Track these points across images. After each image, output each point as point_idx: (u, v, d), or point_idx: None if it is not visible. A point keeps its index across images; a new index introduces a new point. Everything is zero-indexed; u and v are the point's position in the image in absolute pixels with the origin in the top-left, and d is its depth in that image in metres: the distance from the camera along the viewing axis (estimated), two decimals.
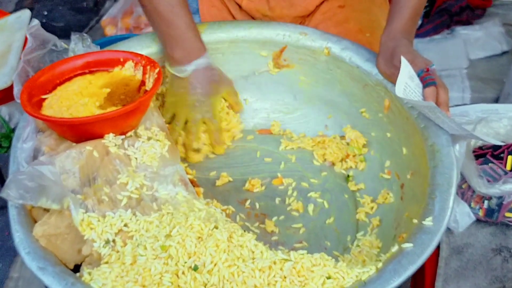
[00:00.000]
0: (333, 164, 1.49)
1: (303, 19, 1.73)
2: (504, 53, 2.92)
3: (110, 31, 3.16)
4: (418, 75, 1.27)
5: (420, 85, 1.26)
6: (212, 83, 1.49)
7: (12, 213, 1.17)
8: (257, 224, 1.36)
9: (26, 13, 1.74)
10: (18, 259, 2.26)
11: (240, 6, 1.74)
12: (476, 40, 2.98)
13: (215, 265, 1.06)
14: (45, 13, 3.43)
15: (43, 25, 1.44)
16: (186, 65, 1.46)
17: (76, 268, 1.15)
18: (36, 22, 1.38)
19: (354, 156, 1.48)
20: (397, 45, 1.33)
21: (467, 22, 3.07)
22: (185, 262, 1.06)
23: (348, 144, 1.49)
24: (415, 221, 1.15)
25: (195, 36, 1.47)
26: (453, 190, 1.18)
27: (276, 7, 1.68)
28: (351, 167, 1.48)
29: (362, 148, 1.48)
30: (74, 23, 3.36)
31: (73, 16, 3.45)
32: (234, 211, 1.37)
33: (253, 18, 1.75)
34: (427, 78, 1.25)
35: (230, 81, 1.55)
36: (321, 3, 1.70)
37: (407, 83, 1.24)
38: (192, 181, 1.36)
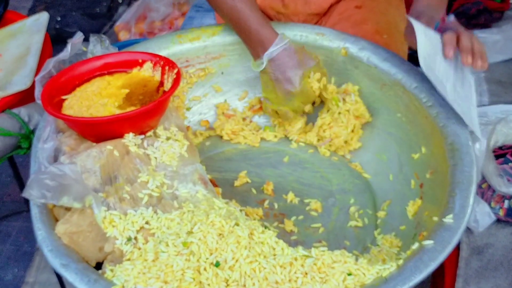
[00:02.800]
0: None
1: (319, 19, 1.76)
2: None
3: (123, 36, 3.21)
4: (435, 28, 1.28)
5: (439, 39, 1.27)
6: (291, 69, 1.47)
7: (34, 211, 1.20)
8: (276, 223, 1.38)
9: (44, 15, 1.78)
10: (33, 264, 2.30)
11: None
12: (494, 44, 2.99)
13: (236, 261, 1.09)
14: (58, 18, 3.48)
15: (56, 31, 1.47)
16: (259, 59, 1.48)
17: (98, 266, 1.18)
18: (80, 35, 1.41)
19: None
20: (419, 17, 1.35)
21: (485, 26, 3.09)
22: (207, 258, 1.09)
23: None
24: (435, 218, 1.17)
25: (260, 26, 1.46)
26: (473, 188, 1.20)
27: (290, 4, 1.71)
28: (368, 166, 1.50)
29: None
30: (88, 28, 3.41)
31: (87, 21, 3.50)
32: (253, 211, 1.40)
33: (267, 15, 1.78)
34: (444, 27, 1.26)
35: (314, 58, 1.51)
36: (337, 2, 1.73)
37: (426, 49, 1.25)
38: (210, 181, 1.38)
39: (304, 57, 1.48)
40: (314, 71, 1.49)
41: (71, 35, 1.47)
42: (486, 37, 3.03)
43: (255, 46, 1.47)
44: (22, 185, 2.01)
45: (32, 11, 3.54)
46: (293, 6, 1.72)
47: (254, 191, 1.47)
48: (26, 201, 1.24)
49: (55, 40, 1.83)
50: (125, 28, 3.25)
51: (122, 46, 1.72)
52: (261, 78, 1.52)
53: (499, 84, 2.81)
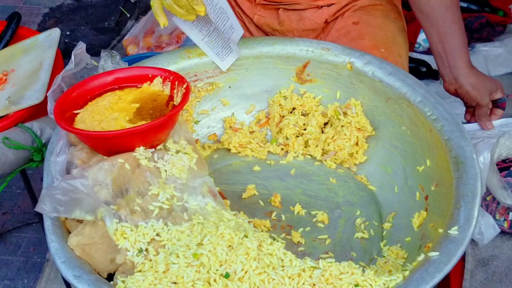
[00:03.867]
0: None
1: (316, 35, 1.78)
2: None
3: (131, 50, 3.23)
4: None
5: None
6: None
7: (47, 224, 1.22)
8: (283, 235, 1.39)
9: (56, 31, 1.81)
10: (43, 275, 2.32)
11: (252, 20, 1.79)
12: (497, 57, 3.01)
13: (245, 272, 1.10)
14: (68, 33, 3.52)
15: (66, 45, 1.50)
16: None
17: (109, 278, 1.19)
18: (82, 45, 1.44)
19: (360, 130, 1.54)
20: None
21: (488, 39, 3.11)
22: (217, 270, 1.10)
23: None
24: (440, 230, 1.18)
25: None
26: (478, 200, 1.21)
27: (285, 20, 1.74)
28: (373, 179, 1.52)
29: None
30: (97, 42, 3.44)
31: (95, 36, 3.53)
32: (261, 223, 1.41)
33: (263, 32, 1.81)
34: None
35: None
36: (334, 19, 1.75)
37: None
38: (220, 194, 1.40)
39: None
40: None
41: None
42: (489, 50, 3.05)
43: None
44: (33, 197, 2.03)
45: (41, 26, 3.57)
46: (288, 23, 1.75)
47: (261, 203, 1.48)
48: (37, 213, 1.26)
49: (65, 54, 1.85)
50: (133, 42, 3.28)
51: (131, 60, 1.74)
52: None
53: None
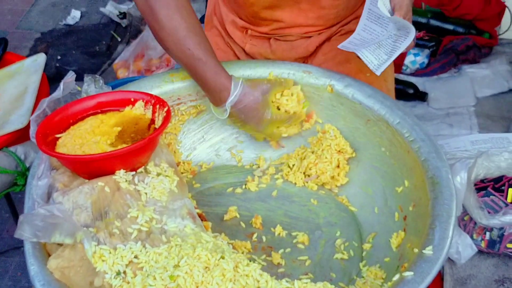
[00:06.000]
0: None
1: (305, 60, 1.81)
2: (511, 90, 2.98)
3: (122, 73, 3.26)
4: None
5: None
6: (255, 106, 1.50)
7: (27, 247, 1.23)
8: (264, 256, 1.40)
9: (41, 56, 1.83)
10: None
11: (244, 49, 1.82)
12: (483, 78, 3.05)
13: None
14: (59, 57, 3.55)
15: (57, 69, 1.53)
16: (222, 107, 1.50)
17: None
18: (72, 75, 1.45)
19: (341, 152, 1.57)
20: None
21: (474, 61, 3.15)
22: None
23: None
24: (416, 250, 1.19)
25: (216, 75, 1.48)
26: (453, 220, 1.23)
27: (277, 49, 1.76)
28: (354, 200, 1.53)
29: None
30: (87, 66, 3.48)
31: (86, 60, 3.57)
32: (241, 244, 1.42)
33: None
34: None
35: (266, 82, 1.54)
36: (322, 43, 1.77)
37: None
38: (200, 215, 1.41)
39: (259, 87, 1.52)
40: (275, 93, 1.54)
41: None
42: (475, 72, 3.09)
43: (214, 95, 1.50)
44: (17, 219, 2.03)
45: (33, 50, 3.61)
46: (281, 52, 1.78)
47: (243, 224, 1.49)
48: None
49: (55, 78, 1.89)
50: (123, 66, 3.31)
51: (119, 84, 1.76)
52: (228, 122, 1.58)
53: (488, 118, 2.85)
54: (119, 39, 3.70)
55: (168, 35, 1.47)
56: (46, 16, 3.93)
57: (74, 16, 3.92)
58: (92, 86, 1.54)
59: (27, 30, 3.83)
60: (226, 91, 1.48)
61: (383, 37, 1.43)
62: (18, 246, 2.49)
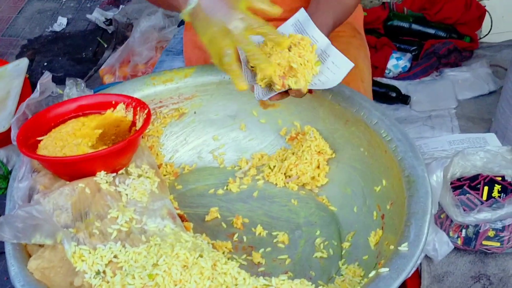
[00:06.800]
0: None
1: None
2: (491, 93, 3.00)
3: (108, 79, 3.26)
4: None
5: None
6: None
7: (8, 248, 1.23)
8: (244, 256, 1.41)
9: (24, 61, 1.84)
10: None
11: None
12: (464, 81, 3.07)
13: None
14: (45, 63, 3.55)
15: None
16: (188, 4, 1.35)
17: None
18: (48, 74, 1.46)
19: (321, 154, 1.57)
20: None
21: (455, 64, 3.17)
22: None
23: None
24: (391, 247, 1.20)
25: None
26: (428, 217, 1.24)
27: None
28: (334, 199, 1.54)
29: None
30: (74, 73, 3.47)
31: (73, 66, 3.57)
32: (222, 245, 1.43)
33: None
34: None
35: None
36: None
37: None
38: (181, 216, 1.41)
39: None
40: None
41: (58, 79, 1.51)
42: (456, 75, 3.10)
43: None
44: None
45: (19, 57, 3.58)
46: None
47: (224, 225, 1.50)
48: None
49: None
50: (109, 71, 3.31)
51: (101, 90, 1.76)
52: (194, 25, 1.37)
53: (469, 120, 2.87)
54: (105, 45, 3.70)
55: None
56: (33, 23, 3.93)
57: (61, 22, 3.91)
58: (74, 90, 1.54)
59: (14, 37, 3.82)
60: None
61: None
62: (2, 251, 2.47)
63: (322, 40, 1.39)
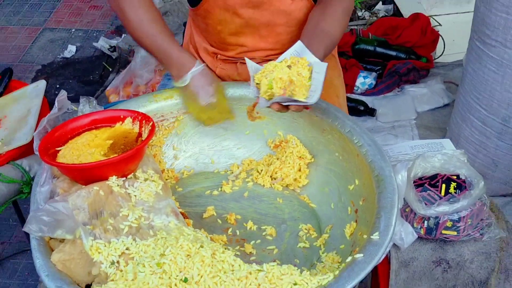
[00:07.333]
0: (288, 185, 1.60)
1: None
2: (445, 105, 3.06)
3: (113, 98, 3.26)
4: None
5: None
6: (211, 84, 1.59)
7: (33, 243, 1.24)
8: (237, 247, 1.43)
9: (42, 83, 1.84)
10: None
11: (215, 72, 1.85)
12: (422, 96, 3.12)
13: (201, 277, 1.13)
14: (58, 86, 3.55)
15: (56, 96, 1.53)
16: (184, 76, 1.57)
17: None
18: (64, 92, 1.47)
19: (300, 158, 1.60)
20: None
21: (414, 81, 3.22)
22: (177, 276, 1.13)
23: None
24: (365, 236, 1.23)
25: (180, 53, 1.57)
26: (395, 210, 1.27)
27: (243, 72, 1.79)
28: (314, 198, 1.56)
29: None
30: (83, 93, 3.47)
31: (82, 87, 3.57)
32: (219, 238, 1.44)
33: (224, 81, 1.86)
34: None
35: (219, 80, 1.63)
36: None
37: None
38: (182, 214, 1.43)
39: (214, 76, 1.61)
40: (221, 91, 1.61)
41: (69, 99, 1.52)
42: (416, 91, 3.15)
43: (178, 68, 1.57)
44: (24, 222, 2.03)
45: (35, 80, 3.59)
46: (246, 74, 1.80)
47: (219, 221, 1.52)
48: (30, 241, 1.28)
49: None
50: (114, 92, 3.31)
51: (108, 107, 1.77)
52: (183, 96, 1.62)
53: (427, 129, 2.92)
54: (110, 69, 3.71)
55: (136, 27, 1.57)
56: (46, 50, 3.93)
57: (71, 50, 3.92)
58: (87, 106, 1.56)
59: (29, 63, 3.82)
60: (191, 63, 1.57)
61: None
62: (25, 249, 2.47)
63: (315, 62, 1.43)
